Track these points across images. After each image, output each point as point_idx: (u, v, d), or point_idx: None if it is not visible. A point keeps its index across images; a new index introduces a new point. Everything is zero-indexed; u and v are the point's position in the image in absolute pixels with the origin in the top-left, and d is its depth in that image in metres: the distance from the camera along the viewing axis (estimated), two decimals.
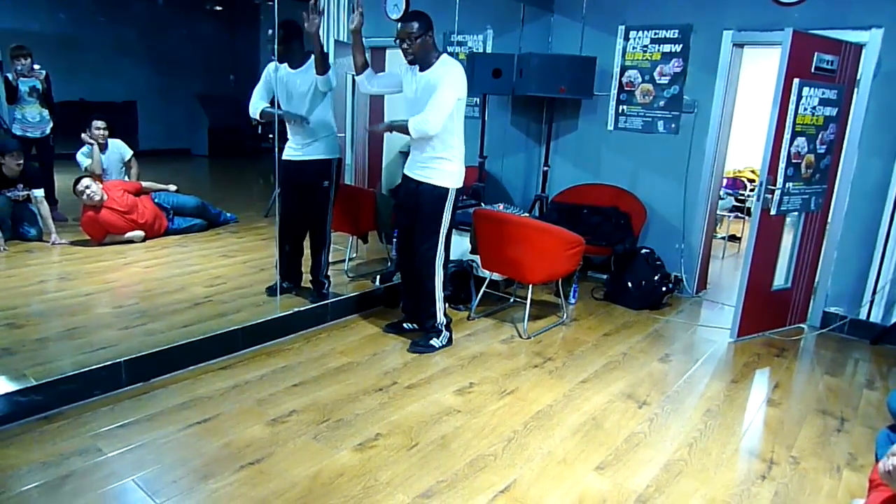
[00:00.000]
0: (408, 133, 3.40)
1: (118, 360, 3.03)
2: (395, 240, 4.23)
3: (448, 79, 3.35)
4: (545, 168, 5.61)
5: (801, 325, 4.61)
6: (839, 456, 2.90)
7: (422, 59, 3.42)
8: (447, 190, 3.55)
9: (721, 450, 2.87)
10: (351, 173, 6.35)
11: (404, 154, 6.92)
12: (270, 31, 3.86)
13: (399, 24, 3.41)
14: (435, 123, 3.32)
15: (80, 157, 5.76)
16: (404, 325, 4.00)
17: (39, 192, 5.27)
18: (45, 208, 5.27)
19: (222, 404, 2.98)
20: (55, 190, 5.83)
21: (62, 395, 2.84)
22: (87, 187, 5.12)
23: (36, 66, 5.65)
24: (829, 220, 4.49)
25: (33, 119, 5.72)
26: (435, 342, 3.76)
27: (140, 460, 2.50)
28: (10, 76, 5.56)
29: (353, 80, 5.71)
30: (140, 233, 5.42)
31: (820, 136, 4.08)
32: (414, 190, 3.60)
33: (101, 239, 5.22)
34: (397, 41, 3.39)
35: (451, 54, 3.51)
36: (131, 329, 3.60)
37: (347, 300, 4.23)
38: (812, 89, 3.90)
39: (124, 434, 2.68)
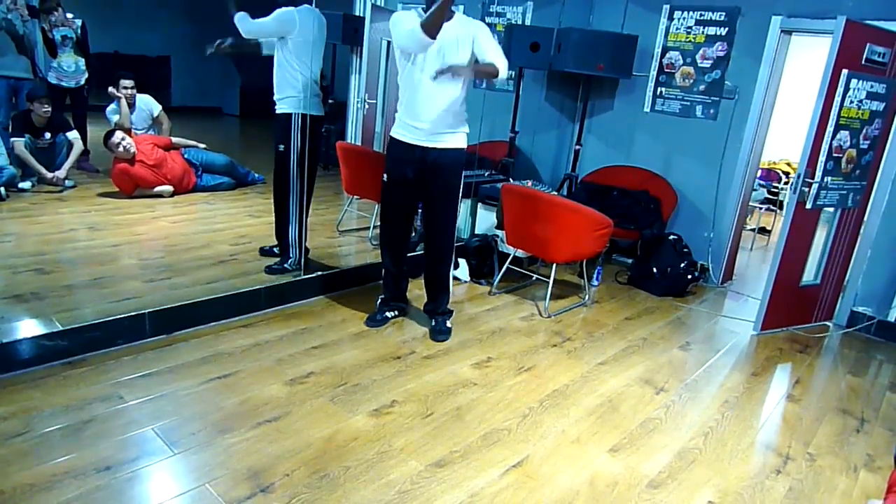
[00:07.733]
0: (486, 77, 3.15)
1: (142, 312, 3.08)
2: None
3: (489, 31, 3.20)
4: (577, 147, 5.53)
5: (827, 323, 4.53)
6: (857, 456, 2.86)
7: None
8: (464, 150, 3.36)
9: (737, 441, 2.85)
10: (380, 141, 6.33)
11: None
12: None
13: None
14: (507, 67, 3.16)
15: (109, 113, 5.82)
16: (388, 314, 3.69)
17: (73, 134, 5.36)
18: (77, 146, 5.39)
19: (242, 361, 3.02)
20: (87, 141, 5.89)
21: (87, 342, 2.90)
22: (122, 139, 5.16)
23: (69, 15, 5.66)
24: (865, 217, 4.37)
25: (69, 68, 5.74)
26: (449, 322, 3.63)
27: (160, 410, 2.55)
28: (45, 27, 5.58)
29: (388, 45, 5.68)
30: (169, 187, 5.46)
31: (864, 130, 3.96)
32: (433, 160, 3.26)
33: (131, 192, 5.28)
34: None
35: (489, 27, 3.39)
36: (156, 282, 3.64)
37: (370, 267, 4.23)
38: (861, 82, 3.77)
39: (146, 384, 2.73)
